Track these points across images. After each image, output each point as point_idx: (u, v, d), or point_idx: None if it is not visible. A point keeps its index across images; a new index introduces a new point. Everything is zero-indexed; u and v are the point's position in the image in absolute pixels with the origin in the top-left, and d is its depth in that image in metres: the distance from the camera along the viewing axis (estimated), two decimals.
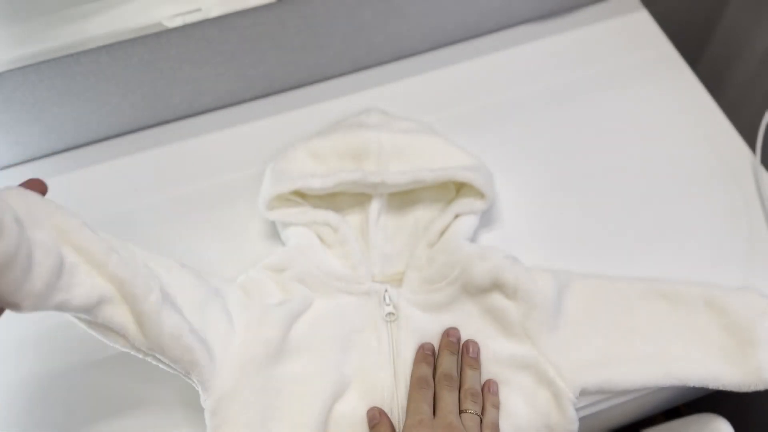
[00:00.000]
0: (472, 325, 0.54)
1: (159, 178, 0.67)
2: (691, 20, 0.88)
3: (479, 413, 0.49)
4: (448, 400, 0.49)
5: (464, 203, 0.57)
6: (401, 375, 0.52)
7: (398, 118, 0.62)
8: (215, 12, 0.60)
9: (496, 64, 0.74)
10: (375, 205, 0.59)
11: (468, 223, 0.57)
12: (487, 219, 0.62)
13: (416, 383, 0.50)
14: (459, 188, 0.59)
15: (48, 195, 0.66)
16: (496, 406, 0.50)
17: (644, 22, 0.76)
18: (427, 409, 0.48)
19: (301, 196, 0.59)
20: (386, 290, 0.55)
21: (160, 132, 0.71)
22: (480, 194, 0.57)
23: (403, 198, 0.61)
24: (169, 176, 0.67)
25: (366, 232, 0.59)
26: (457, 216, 0.57)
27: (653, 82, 0.71)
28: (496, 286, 0.53)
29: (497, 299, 0.53)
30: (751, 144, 0.65)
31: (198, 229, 0.64)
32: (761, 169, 0.64)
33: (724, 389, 0.51)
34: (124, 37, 0.59)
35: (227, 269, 0.58)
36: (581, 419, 0.54)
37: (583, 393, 0.51)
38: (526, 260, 0.59)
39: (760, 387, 0.50)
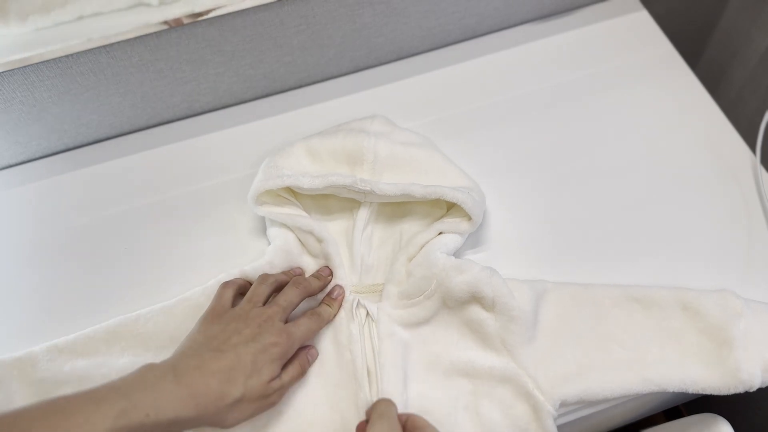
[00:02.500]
0: (451, 338, 0.54)
1: (159, 178, 0.67)
2: (691, 20, 0.88)
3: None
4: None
5: (450, 222, 0.56)
6: (375, 389, 0.52)
7: (401, 130, 0.61)
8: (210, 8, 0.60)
9: (496, 64, 0.74)
10: (363, 214, 0.59)
11: (450, 240, 0.56)
12: (486, 219, 0.62)
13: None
14: (450, 207, 0.59)
15: (48, 195, 0.67)
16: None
17: (644, 22, 0.76)
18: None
19: (292, 193, 0.59)
20: (357, 302, 0.55)
21: (160, 132, 0.71)
22: (468, 216, 0.56)
23: (395, 210, 0.61)
24: (168, 176, 0.67)
25: (351, 240, 0.58)
26: (440, 233, 0.56)
27: (653, 82, 0.71)
28: (475, 298, 0.53)
29: (475, 311, 0.53)
30: (751, 144, 0.65)
31: (198, 228, 0.63)
32: (761, 169, 0.64)
33: (703, 393, 0.50)
34: (124, 37, 0.59)
35: (228, 269, 0.58)
36: (581, 419, 0.54)
37: (563, 405, 0.51)
38: (523, 262, 0.59)
39: (740, 389, 0.50)
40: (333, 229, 0.60)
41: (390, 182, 0.56)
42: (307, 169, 0.58)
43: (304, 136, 0.60)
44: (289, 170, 0.57)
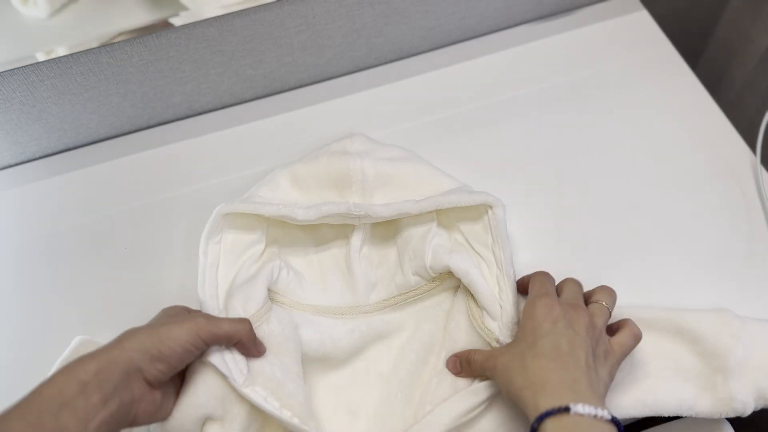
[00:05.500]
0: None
1: (159, 178, 0.67)
2: (691, 20, 0.88)
3: (609, 307, 0.48)
4: (574, 289, 0.49)
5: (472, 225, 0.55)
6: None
7: (383, 146, 0.60)
8: (215, 12, 0.60)
9: (496, 64, 0.74)
10: (357, 236, 0.57)
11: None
12: None
13: (539, 275, 0.50)
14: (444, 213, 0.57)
15: (48, 195, 0.67)
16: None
17: (644, 22, 0.76)
18: (552, 289, 0.48)
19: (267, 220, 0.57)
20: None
21: (160, 132, 0.71)
22: (474, 210, 0.55)
23: (388, 226, 0.59)
24: (168, 176, 0.67)
25: (350, 263, 0.57)
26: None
27: (653, 82, 0.71)
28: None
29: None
30: (751, 144, 0.65)
31: (198, 229, 0.63)
32: (761, 169, 0.64)
33: (697, 416, 0.50)
34: (124, 37, 0.59)
35: None
36: None
37: None
38: (522, 262, 0.59)
39: (730, 415, 0.49)
40: (329, 254, 0.58)
41: (383, 203, 0.54)
42: (296, 199, 0.56)
43: (283, 165, 0.58)
44: (279, 202, 0.55)
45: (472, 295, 0.52)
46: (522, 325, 0.47)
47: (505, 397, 0.46)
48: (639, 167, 0.65)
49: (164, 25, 0.60)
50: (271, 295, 0.54)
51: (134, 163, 0.69)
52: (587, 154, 0.66)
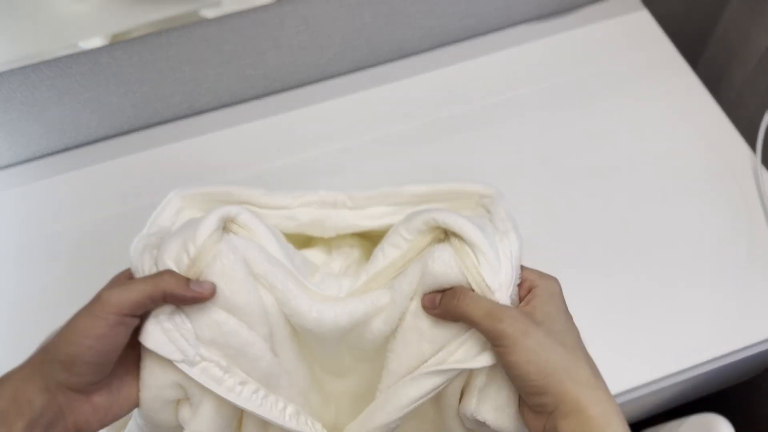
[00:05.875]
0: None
1: (159, 178, 0.67)
2: (691, 20, 0.88)
3: None
4: None
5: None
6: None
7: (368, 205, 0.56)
8: (215, 12, 0.60)
9: (496, 64, 0.74)
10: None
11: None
12: None
13: None
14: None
15: (48, 195, 0.67)
16: None
17: (644, 22, 0.76)
18: None
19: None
20: None
21: (161, 132, 0.71)
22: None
23: (363, 242, 0.54)
24: (169, 176, 0.67)
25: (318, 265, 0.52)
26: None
27: (653, 82, 0.71)
28: None
29: None
30: (751, 144, 0.65)
31: None
32: (761, 169, 0.64)
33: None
34: (125, 37, 0.59)
35: None
36: None
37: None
38: (524, 261, 0.59)
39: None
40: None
41: (367, 194, 0.51)
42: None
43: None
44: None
45: (456, 235, 0.43)
46: (554, 303, 0.41)
47: (518, 372, 0.38)
48: (639, 167, 0.65)
49: (194, 17, 0.60)
50: (230, 227, 0.43)
51: (134, 163, 0.69)
52: (587, 154, 0.66)
